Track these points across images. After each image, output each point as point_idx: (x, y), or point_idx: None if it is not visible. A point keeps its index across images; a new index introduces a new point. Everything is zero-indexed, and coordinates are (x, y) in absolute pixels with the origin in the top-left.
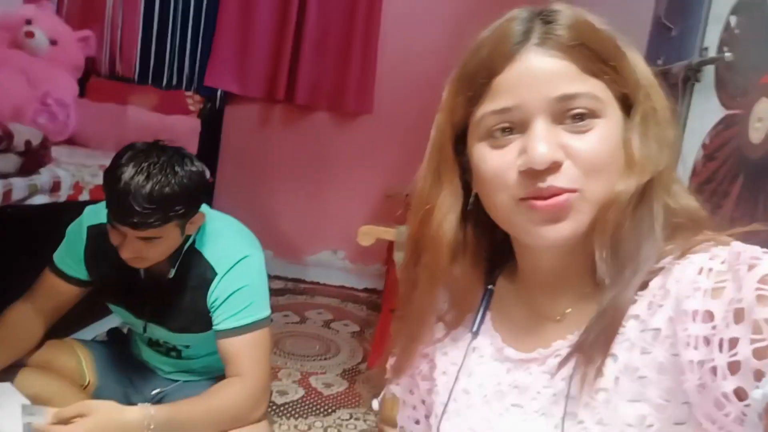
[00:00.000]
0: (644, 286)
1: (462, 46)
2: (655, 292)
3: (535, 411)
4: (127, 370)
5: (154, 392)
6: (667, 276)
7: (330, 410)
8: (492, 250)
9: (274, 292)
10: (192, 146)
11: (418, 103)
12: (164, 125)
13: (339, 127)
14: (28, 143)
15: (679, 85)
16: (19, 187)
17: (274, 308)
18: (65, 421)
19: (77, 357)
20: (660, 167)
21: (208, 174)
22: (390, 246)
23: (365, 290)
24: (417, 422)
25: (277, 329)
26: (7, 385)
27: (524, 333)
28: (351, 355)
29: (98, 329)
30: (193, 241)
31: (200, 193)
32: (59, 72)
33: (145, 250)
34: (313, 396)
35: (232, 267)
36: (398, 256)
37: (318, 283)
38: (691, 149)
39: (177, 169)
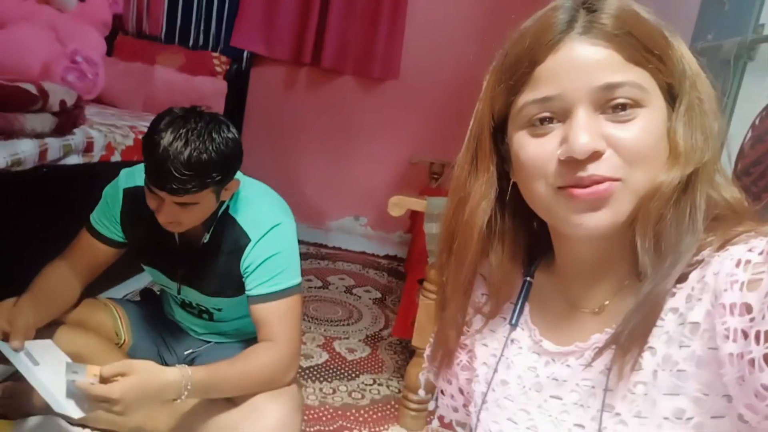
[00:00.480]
0: (683, 278)
1: (492, 16)
2: (694, 285)
3: (573, 403)
4: (160, 330)
5: (186, 352)
6: (706, 269)
7: (353, 375)
8: (530, 242)
9: None
10: (218, 108)
11: (445, 71)
12: (191, 86)
13: (364, 92)
14: (63, 103)
15: (731, 63)
16: (54, 147)
17: None
18: (106, 380)
19: (113, 316)
20: (704, 158)
21: (239, 138)
22: (414, 214)
23: (386, 257)
24: (455, 410)
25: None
26: (48, 342)
27: (562, 326)
28: (373, 321)
29: (128, 288)
30: (227, 207)
31: (236, 160)
32: (87, 29)
33: (181, 214)
34: (336, 360)
35: (265, 233)
36: (428, 227)
37: (340, 249)
38: (740, 130)
39: (214, 135)
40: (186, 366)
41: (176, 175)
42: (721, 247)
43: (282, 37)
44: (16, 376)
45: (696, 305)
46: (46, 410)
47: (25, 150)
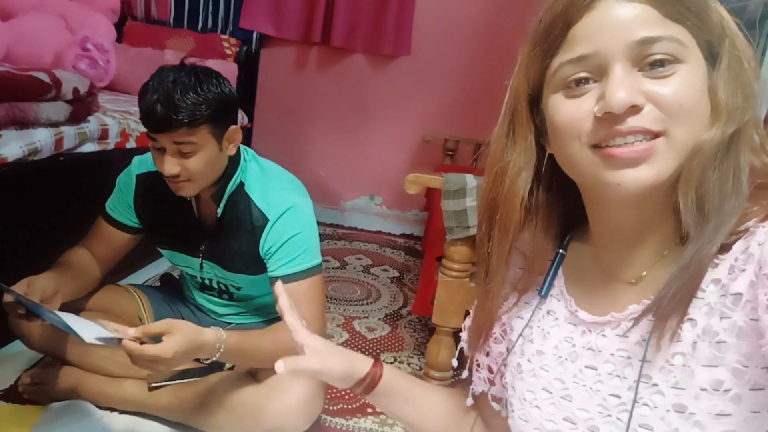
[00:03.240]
0: (726, 249)
1: None
2: (738, 255)
3: (608, 373)
4: (182, 313)
5: None
6: (751, 239)
7: (374, 353)
8: (564, 217)
9: None
10: None
11: (457, 45)
12: None
13: (376, 70)
14: (76, 91)
15: (756, 24)
16: (69, 135)
17: None
18: (149, 335)
19: (135, 300)
20: (745, 117)
21: (235, 93)
22: (430, 192)
23: (403, 236)
24: (491, 383)
25: None
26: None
27: (598, 296)
28: (392, 300)
29: (148, 274)
30: (241, 184)
31: (227, 102)
32: (97, 15)
33: (185, 163)
34: (357, 339)
35: (283, 213)
36: (445, 204)
37: (356, 229)
38: (766, 95)
39: (202, 76)
40: (221, 329)
41: (164, 109)
42: (766, 218)
43: (291, 17)
44: (43, 363)
45: (739, 276)
46: (74, 394)
47: (42, 139)
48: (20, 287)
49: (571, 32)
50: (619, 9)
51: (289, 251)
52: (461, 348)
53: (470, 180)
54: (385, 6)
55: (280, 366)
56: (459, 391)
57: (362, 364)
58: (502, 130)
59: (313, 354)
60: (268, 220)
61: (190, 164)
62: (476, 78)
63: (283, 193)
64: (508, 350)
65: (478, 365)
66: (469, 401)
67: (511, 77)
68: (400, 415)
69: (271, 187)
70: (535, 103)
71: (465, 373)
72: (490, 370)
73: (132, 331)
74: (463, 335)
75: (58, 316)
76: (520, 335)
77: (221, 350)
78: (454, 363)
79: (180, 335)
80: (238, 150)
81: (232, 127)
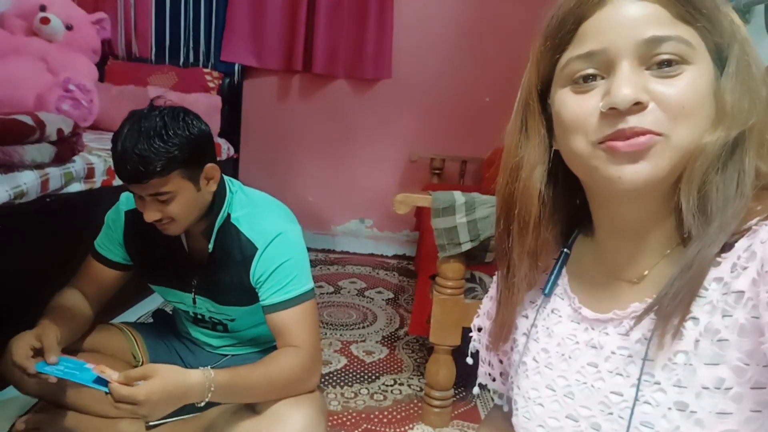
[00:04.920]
0: (729, 247)
1: (478, 6)
2: (740, 254)
3: (609, 371)
4: (176, 348)
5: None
6: (754, 237)
7: (373, 377)
8: (569, 214)
9: None
10: (214, 123)
11: (438, 65)
12: (185, 104)
13: (359, 94)
14: (60, 131)
15: (752, 13)
16: (55, 176)
17: None
18: (131, 382)
19: (129, 338)
20: (750, 121)
21: (209, 128)
22: (420, 211)
23: (395, 256)
24: (494, 379)
25: None
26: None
27: (601, 294)
28: (388, 321)
29: (140, 311)
30: (228, 216)
31: (198, 142)
32: (78, 57)
33: (165, 209)
34: (355, 364)
35: (272, 241)
36: (435, 222)
37: (348, 253)
38: None
39: (168, 120)
40: (209, 369)
41: (133, 162)
42: None
43: (271, 47)
44: (37, 408)
45: (741, 274)
46: None
47: (27, 181)
48: (27, 339)
49: (582, 28)
50: (630, 7)
51: (279, 279)
52: (476, 349)
53: (458, 197)
54: (363, 31)
55: None
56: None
57: None
58: (515, 126)
59: None
60: (257, 249)
61: (170, 209)
62: (458, 96)
63: (270, 221)
64: (512, 349)
65: (482, 360)
66: (476, 390)
67: (519, 86)
68: None
69: (259, 215)
70: (545, 97)
71: (476, 390)
72: (493, 365)
73: (115, 376)
74: (474, 335)
75: (67, 368)
76: (525, 334)
77: (212, 390)
78: (469, 361)
79: (157, 378)
80: (223, 183)
81: (208, 165)
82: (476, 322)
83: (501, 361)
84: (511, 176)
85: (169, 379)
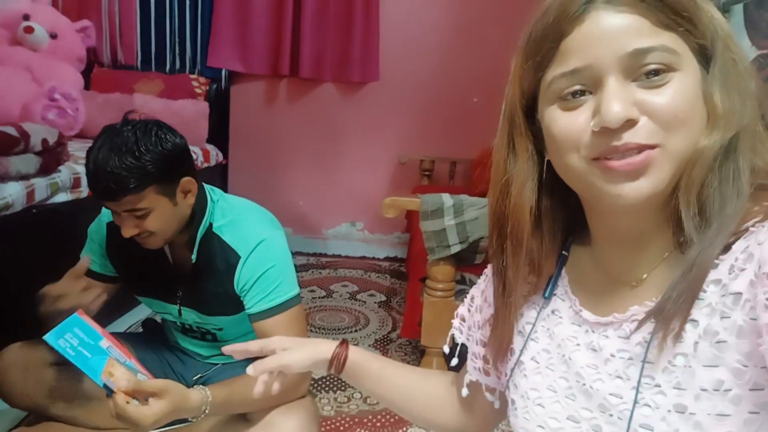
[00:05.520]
0: (727, 249)
1: (464, 8)
2: (738, 255)
3: (609, 374)
4: (167, 358)
5: (195, 378)
6: (751, 238)
7: None
8: (568, 219)
9: (297, 269)
10: (202, 130)
11: (425, 66)
12: (172, 111)
13: (346, 98)
14: (45, 142)
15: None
16: (40, 186)
17: (300, 284)
18: (139, 396)
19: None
20: (744, 120)
21: (184, 141)
22: (410, 214)
23: (387, 259)
24: (487, 374)
25: (305, 305)
26: None
27: (600, 297)
28: (381, 324)
29: (130, 321)
30: (211, 225)
31: (172, 156)
32: (63, 65)
33: (142, 224)
34: None
35: (254, 249)
36: (424, 225)
37: (340, 256)
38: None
39: (140, 135)
40: (205, 388)
41: (105, 179)
42: (766, 218)
43: (258, 52)
44: (27, 421)
45: (739, 275)
46: None
47: (13, 193)
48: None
49: (563, 45)
50: (610, 20)
51: (264, 286)
52: (452, 335)
53: (447, 199)
54: (350, 34)
55: (250, 370)
56: (446, 377)
57: (327, 347)
58: (502, 142)
59: (280, 353)
60: (239, 257)
61: (147, 224)
62: (446, 97)
63: (253, 228)
64: (511, 350)
65: (475, 355)
66: (465, 392)
67: (506, 87)
68: (379, 395)
69: (241, 223)
70: (531, 111)
71: (455, 360)
72: (486, 361)
73: (124, 383)
74: (455, 322)
75: (81, 343)
76: (521, 332)
77: (206, 411)
78: (446, 350)
79: (167, 401)
80: (204, 192)
81: (184, 179)
82: (460, 311)
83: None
84: (501, 194)
85: (175, 401)
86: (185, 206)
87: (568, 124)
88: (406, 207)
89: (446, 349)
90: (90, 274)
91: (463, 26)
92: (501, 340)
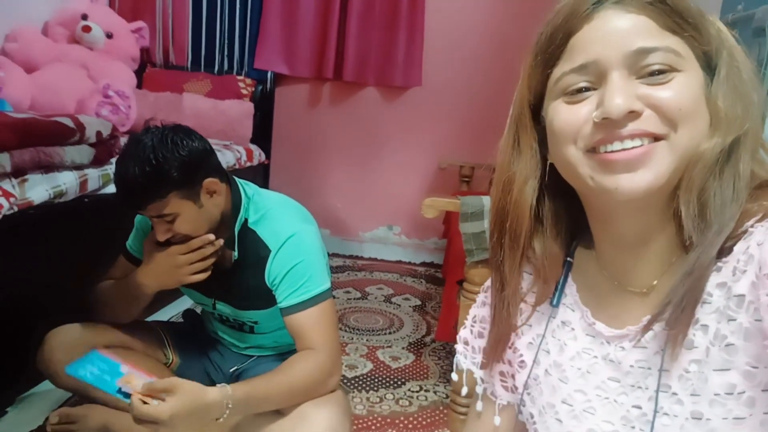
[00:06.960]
0: (728, 252)
1: (508, 15)
2: (739, 257)
3: (630, 385)
4: (205, 348)
5: (232, 369)
6: (750, 239)
7: (399, 382)
8: (571, 224)
9: (333, 270)
10: (246, 129)
11: (468, 72)
12: (219, 110)
13: (389, 102)
14: (99, 134)
15: (765, 31)
16: (93, 177)
17: (336, 285)
18: (154, 394)
19: (160, 337)
20: (745, 126)
21: (203, 143)
22: (448, 218)
23: (423, 264)
24: (512, 390)
25: (340, 305)
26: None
27: (612, 308)
28: (415, 328)
29: (172, 311)
30: (246, 221)
31: (190, 161)
32: (117, 64)
33: (172, 228)
34: (381, 369)
35: (284, 243)
36: (463, 227)
37: (376, 259)
38: None
39: (155, 143)
40: (226, 385)
41: (128, 188)
42: (765, 217)
43: (303, 56)
44: (71, 402)
45: (741, 277)
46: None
47: (67, 182)
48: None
49: (571, 42)
50: (618, 20)
51: (293, 280)
52: (456, 361)
53: (487, 202)
54: (394, 39)
55: None
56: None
57: None
58: (508, 141)
59: None
60: (270, 251)
61: (178, 227)
62: (488, 103)
63: (284, 222)
64: (523, 363)
65: (499, 372)
66: (479, 405)
67: (515, 89)
68: None
69: (273, 217)
70: (538, 112)
71: (464, 390)
72: (495, 377)
73: (139, 387)
74: (458, 347)
75: (100, 369)
76: (531, 343)
77: (230, 406)
78: (454, 377)
79: (180, 396)
80: (237, 190)
81: (207, 180)
82: (463, 334)
83: (504, 373)
84: (503, 190)
85: (189, 398)
86: (212, 206)
87: (570, 115)
88: (445, 208)
89: (454, 377)
90: (135, 261)
91: (506, 32)
92: (497, 341)
